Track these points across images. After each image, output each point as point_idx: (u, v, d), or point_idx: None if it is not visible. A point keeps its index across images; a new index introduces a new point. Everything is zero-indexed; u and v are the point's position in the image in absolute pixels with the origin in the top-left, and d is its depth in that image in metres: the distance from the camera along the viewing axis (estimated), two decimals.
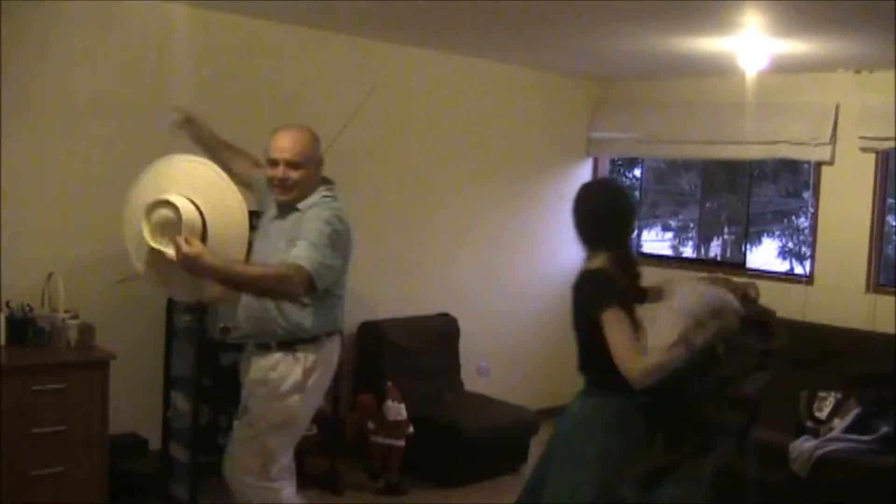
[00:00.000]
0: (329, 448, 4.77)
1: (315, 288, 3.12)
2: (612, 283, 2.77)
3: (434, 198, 5.78)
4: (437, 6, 4.26)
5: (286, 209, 3.33)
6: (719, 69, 5.52)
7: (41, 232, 4.11)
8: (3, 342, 3.80)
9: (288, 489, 3.40)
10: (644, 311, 2.87)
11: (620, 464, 2.72)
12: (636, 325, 2.74)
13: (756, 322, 2.85)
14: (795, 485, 4.43)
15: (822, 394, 4.88)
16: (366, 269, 5.30)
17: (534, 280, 6.40)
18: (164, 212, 3.02)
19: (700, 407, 2.78)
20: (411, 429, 4.85)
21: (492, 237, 6.13)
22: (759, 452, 3.24)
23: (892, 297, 5.10)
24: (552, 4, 4.08)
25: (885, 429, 4.52)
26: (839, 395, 4.83)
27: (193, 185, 3.12)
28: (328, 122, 4.70)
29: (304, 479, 4.91)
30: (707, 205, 7.96)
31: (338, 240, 3.21)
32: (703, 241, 8.08)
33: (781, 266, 7.34)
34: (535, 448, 5.40)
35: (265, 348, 3.32)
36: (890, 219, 5.66)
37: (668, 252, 8.13)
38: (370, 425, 4.86)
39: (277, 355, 3.29)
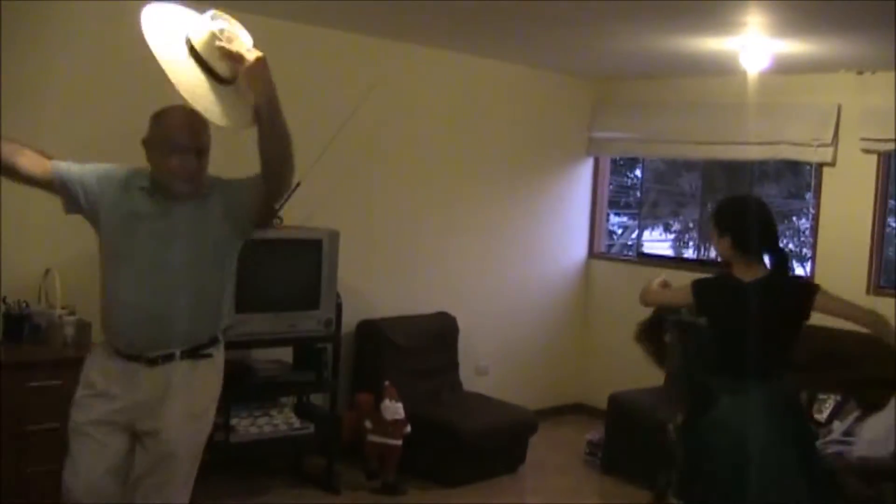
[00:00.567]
0: (326, 447, 4.77)
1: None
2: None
3: (433, 196, 5.76)
4: (437, 4, 4.25)
5: (172, 199, 2.76)
6: (721, 69, 5.51)
7: (38, 228, 4.08)
8: None
9: None
10: None
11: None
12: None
13: None
14: None
15: (821, 396, 4.88)
16: (364, 268, 5.30)
17: (533, 280, 6.39)
18: (215, 24, 2.74)
19: None
20: (409, 428, 4.84)
21: (491, 236, 6.11)
22: None
23: (893, 300, 5.07)
24: (552, 4, 4.06)
25: None
26: (839, 398, 4.83)
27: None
28: (327, 119, 4.71)
29: (301, 479, 4.92)
30: (708, 205, 7.93)
31: None
32: (704, 241, 8.05)
33: None
34: (533, 448, 5.38)
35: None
36: (891, 221, 5.64)
37: (669, 253, 8.13)
38: (367, 424, 4.84)
39: None
